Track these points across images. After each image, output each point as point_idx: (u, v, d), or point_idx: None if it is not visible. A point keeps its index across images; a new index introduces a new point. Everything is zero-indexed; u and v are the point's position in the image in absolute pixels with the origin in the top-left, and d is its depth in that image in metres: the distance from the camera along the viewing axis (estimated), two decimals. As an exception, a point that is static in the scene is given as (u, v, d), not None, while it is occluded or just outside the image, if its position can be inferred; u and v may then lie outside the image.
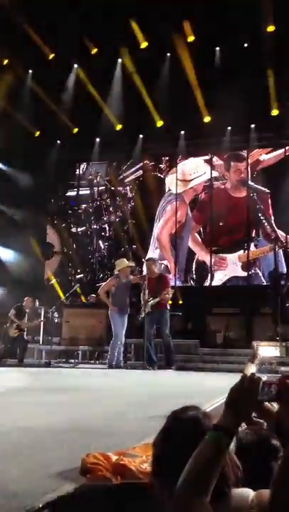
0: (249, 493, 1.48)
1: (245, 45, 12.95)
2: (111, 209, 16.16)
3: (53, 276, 15.89)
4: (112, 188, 16.14)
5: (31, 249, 15.55)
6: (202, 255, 14.48)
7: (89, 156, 15.92)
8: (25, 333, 11.59)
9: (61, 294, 14.18)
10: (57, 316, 12.44)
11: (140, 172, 15.69)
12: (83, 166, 16.57)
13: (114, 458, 2.20)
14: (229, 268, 14.01)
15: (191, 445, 1.35)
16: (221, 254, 14.22)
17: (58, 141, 15.79)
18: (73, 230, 16.45)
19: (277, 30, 12.36)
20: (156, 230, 15.11)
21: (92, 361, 11.42)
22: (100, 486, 0.91)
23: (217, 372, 9.12)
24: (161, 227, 15.09)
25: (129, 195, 15.85)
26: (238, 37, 12.80)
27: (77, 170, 16.62)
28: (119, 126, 14.97)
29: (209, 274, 14.20)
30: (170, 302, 10.27)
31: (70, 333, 11.87)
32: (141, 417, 3.86)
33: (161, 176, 15.40)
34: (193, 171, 14.99)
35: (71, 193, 16.68)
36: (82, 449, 2.47)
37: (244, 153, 14.48)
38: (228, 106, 12.35)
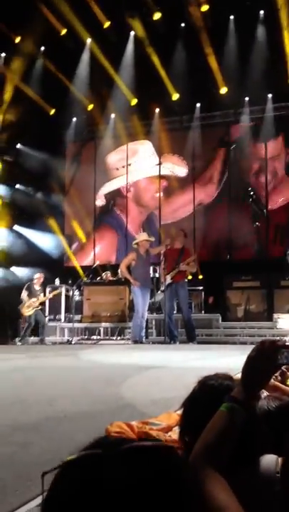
0: (274, 458, 1.47)
1: (261, 12, 12.62)
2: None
3: (73, 255, 15.96)
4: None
5: (52, 230, 15.61)
6: None
7: (103, 133, 15.80)
8: (43, 311, 11.80)
9: (81, 273, 14.24)
10: (78, 294, 12.52)
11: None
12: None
13: (137, 426, 2.20)
14: None
15: (217, 410, 1.34)
16: None
17: (74, 119, 15.68)
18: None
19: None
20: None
21: (114, 337, 11.49)
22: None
23: (238, 345, 9.11)
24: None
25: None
26: (253, 4, 12.47)
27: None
28: (134, 101, 14.78)
29: None
30: (190, 277, 10.21)
31: (92, 310, 11.94)
32: (164, 388, 3.87)
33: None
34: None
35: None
36: (107, 419, 2.48)
37: None
38: (245, 76, 12.07)
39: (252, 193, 14.38)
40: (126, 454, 0.88)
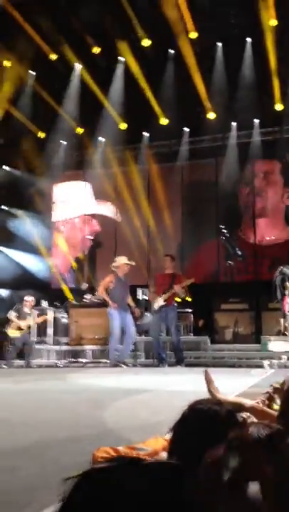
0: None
1: (248, 39, 12.90)
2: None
3: (60, 277, 15.93)
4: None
5: (39, 252, 15.60)
6: None
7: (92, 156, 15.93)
8: (31, 334, 11.64)
9: (69, 295, 14.19)
10: (65, 316, 12.44)
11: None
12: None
13: (124, 452, 2.19)
14: None
15: (206, 435, 1.37)
16: None
17: (64, 142, 15.79)
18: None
19: (280, 24, 12.29)
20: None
21: (101, 360, 11.39)
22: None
23: (227, 368, 9.08)
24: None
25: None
26: (240, 32, 12.76)
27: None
28: (123, 126, 14.93)
29: None
30: (178, 300, 10.22)
31: (79, 332, 11.85)
32: (151, 412, 3.85)
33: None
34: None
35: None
36: (93, 444, 2.46)
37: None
38: (233, 101, 12.28)
39: (225, 231, 14.19)
40: (146, 468, 0.88)
